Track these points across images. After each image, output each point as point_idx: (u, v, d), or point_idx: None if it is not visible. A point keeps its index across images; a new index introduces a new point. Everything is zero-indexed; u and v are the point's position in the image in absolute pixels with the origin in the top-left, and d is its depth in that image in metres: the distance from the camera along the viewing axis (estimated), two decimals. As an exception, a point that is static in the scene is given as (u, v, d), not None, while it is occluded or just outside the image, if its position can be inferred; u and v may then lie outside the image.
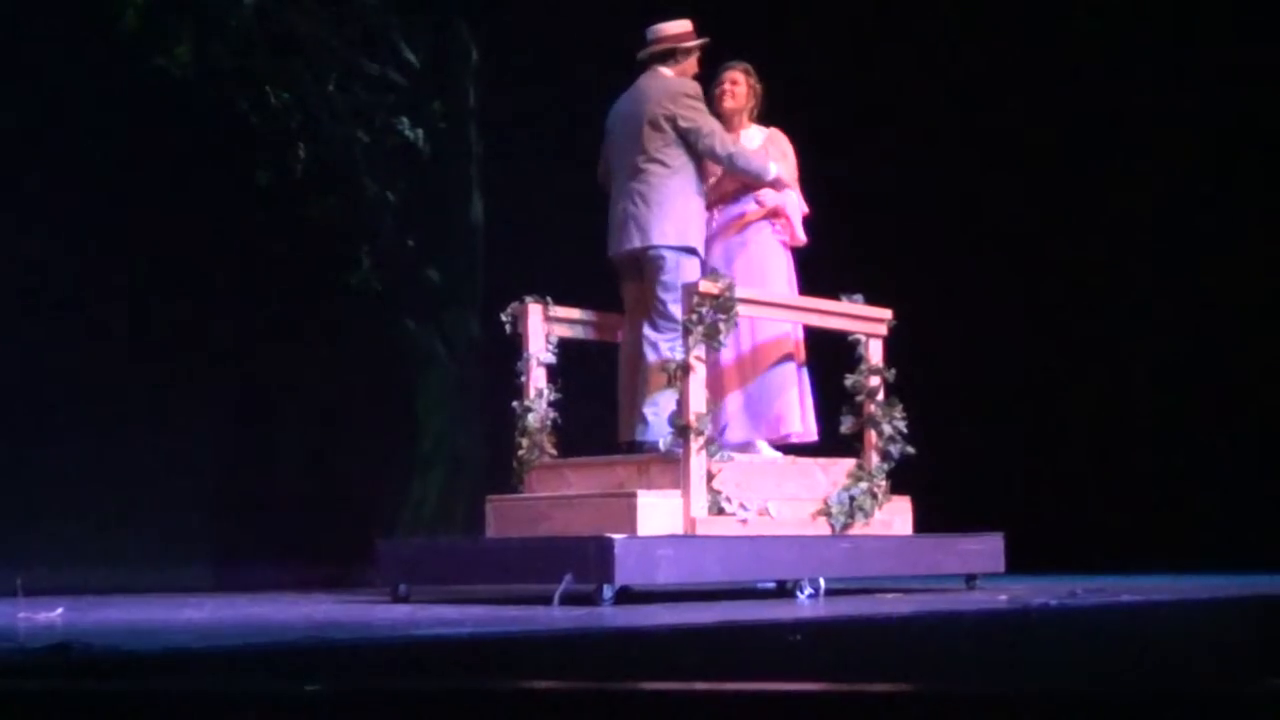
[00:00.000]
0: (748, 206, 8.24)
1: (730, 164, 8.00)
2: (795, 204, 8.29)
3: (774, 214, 8.25)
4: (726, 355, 8.09)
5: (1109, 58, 11.38)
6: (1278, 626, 6.60)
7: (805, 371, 8.30)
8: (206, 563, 9.99)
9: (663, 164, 7.83)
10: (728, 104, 8.33)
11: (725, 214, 8.24)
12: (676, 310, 7.70)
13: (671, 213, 7.82)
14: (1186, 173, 11.13)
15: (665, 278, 7.80)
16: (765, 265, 8.22)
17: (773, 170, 8.14)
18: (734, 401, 8.14)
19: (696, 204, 7.91)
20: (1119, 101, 11.35)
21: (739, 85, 8.34)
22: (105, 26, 9.82)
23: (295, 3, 10.67)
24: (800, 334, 8.29)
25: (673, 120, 7.82)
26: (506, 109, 11.36)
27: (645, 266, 7.90)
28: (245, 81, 10.41)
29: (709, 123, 7.88)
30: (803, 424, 8.22)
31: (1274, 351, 10.77)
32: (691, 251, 7.85)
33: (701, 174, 7.99)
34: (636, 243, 7.85)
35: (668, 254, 7.81)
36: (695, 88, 7.97)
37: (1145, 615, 6.77)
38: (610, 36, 8.77)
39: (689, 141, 7.82)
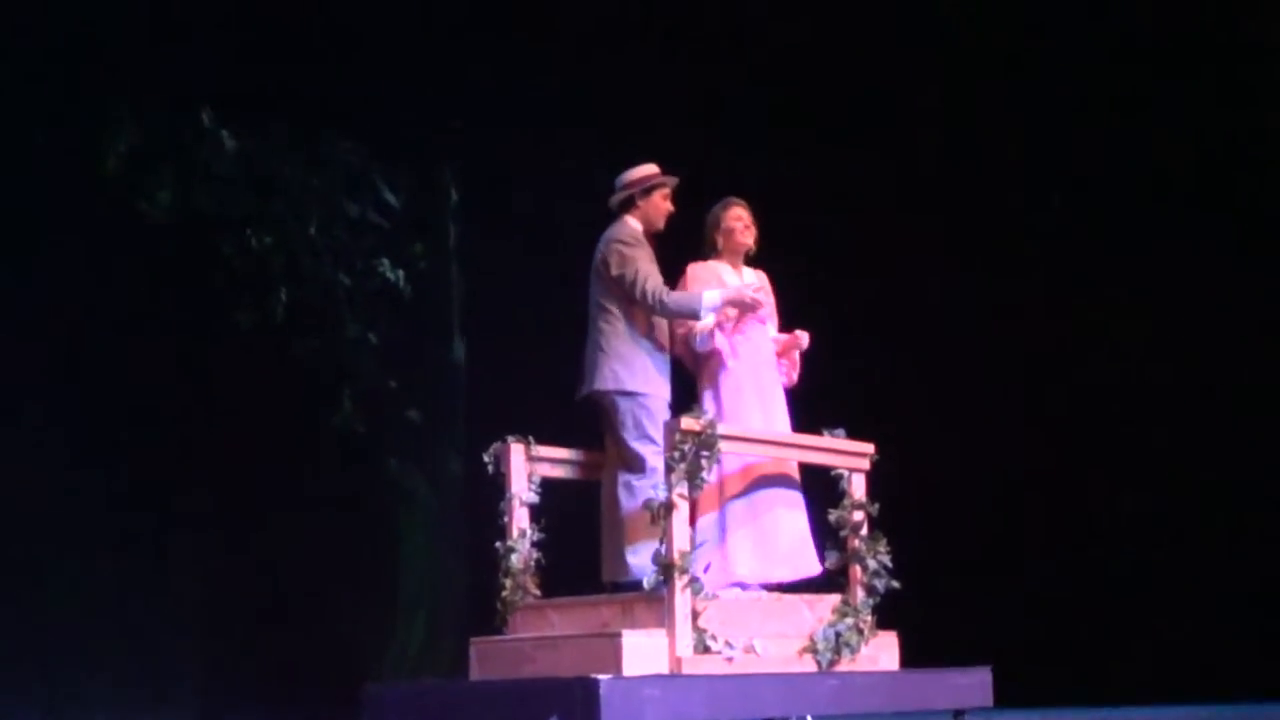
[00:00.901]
0: (770, 333, 8.21)
1: (662, 311, 7.95)
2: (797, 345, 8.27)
3: (790, 347, 8.22)
4: (733, 490, 8.03)
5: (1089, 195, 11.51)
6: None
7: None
8: (193, 708, 9.91)
9: (605, 309, 7.92)
10: (748, 240, 8.29)
11: (750, 339, 8.17)
12: (641, 448, 7.76)
13: (613, 358, 7.87)
14: (1172, 300, 11.20)
15: (618, 419, 7.86)
16: (782, 397, 8.24)
17: (707, 301, 8.02)
18: (745, 537, 8.05)
19: (644, 346, 7.90)
20: (1103, 235, 11.46)
21: (751, 225, 8.30)
22: (88, 171, 9.88)
23: (277, 147, 10.75)
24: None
25: (606, 268, 7.89)
26: (487, 250, 11.42)
27: (603, 411, 7.96)
28: (227, 224, 10.47)
29: (633, 269, 7.85)
30: (818, 561, 8.15)
31: (1261, 487, 10.79)
32: (633, 395, 7.85)
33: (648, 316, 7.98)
34: (585, 389, 7.94)
35: (619, 399, 7.87)
36: (630, 233, 7.97)
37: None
38: (589, 178, 8.83)
39: (628, 295, 7.86)
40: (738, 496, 8.08)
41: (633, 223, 8.02)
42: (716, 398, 8.10)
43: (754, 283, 8.25)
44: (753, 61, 11.92)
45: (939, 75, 11.77)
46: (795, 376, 8.30)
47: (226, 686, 9.99)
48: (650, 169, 8.11)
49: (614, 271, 7.86)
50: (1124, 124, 11.40)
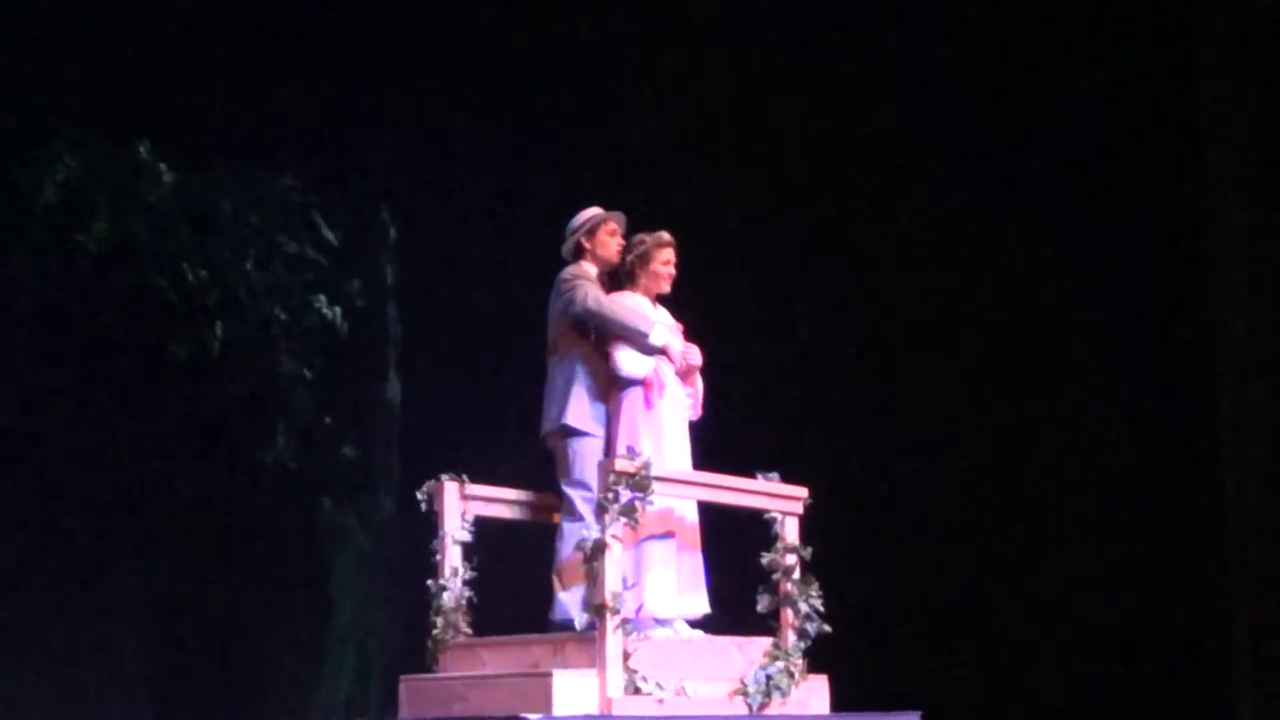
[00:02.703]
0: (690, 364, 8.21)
1: (610, 314, 7.92)
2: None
3: (688, 374, 8.19)
4: (650, 529, 8.01)
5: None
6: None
7: None
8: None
9: (554, 351, 8.01)
10: (668, 287, 8.27)
11: (665, 375, 8.16)
12: (572, 492, 7.83)
13: (557, 398, 7.94)
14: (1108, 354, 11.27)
15: (558, 460, 7.93)
16: (687, 432, 8.23)
17: (657, 335, 8.02)
18: (664, 575, 8.03)
19: (584, 385, 7.92)
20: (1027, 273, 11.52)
21: (674, 271, 8.26)
22: (24, 202, 9.84)
23: (214, 181, 10.72)
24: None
25: (555, 306, 7.96)
26: (424, 288, 11.41)
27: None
28: (163, 257, 10.43)
29: (582, 292, 7.89)
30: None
31: (1197, 539, 10.86)
32: (568, 435, 7.88)
33: (596, 354, 7.97)
34: (540, 432, 7.99)
35: (558, 440, 7.94)
36: (578, 269, 8.03)
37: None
38: (528, 217, 8.85)
39: (572, 315, 7.88)
40: (656, 536, 8.04)
41: (586, 265, 8.07)
42: (633, 432, 8.04)
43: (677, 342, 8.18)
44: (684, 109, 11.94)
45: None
46: (699, 409, 8.29)
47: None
48: (593, 211, 8.16)
49: (561, 301, 7.92)
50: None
